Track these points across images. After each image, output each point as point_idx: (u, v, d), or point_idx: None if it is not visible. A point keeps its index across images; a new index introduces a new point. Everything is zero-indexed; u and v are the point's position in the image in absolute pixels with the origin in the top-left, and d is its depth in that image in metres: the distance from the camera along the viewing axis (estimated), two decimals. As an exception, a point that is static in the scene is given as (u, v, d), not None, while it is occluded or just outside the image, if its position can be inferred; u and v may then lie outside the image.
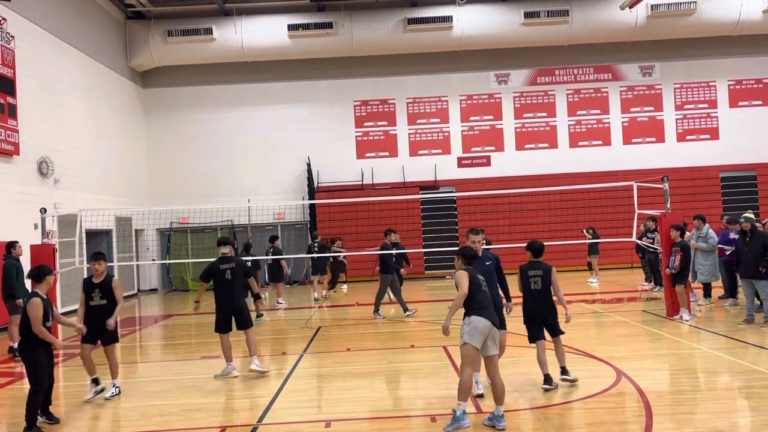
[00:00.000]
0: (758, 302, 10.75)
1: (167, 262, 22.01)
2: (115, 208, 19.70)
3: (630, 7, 20.43)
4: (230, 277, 8.69)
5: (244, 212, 22.69)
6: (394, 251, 13.28)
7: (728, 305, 12.57)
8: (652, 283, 15.99)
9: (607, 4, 21.82)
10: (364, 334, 11.69)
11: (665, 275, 11.61)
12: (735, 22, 22.03)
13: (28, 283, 9.55)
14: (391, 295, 13.73)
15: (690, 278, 11.90)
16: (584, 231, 18.24)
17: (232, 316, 8.74)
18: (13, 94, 15.09)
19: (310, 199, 22.24)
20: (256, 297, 10.16)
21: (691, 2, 21.49)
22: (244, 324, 8.76)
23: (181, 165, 23.60)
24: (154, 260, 22.51)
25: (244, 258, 11.97)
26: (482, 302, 6.03)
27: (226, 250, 8.96)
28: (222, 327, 8.74)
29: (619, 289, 16.62)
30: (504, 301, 7.31)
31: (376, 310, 13.08)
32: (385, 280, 13.02)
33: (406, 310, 13.05)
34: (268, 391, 7.72)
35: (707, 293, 13.14)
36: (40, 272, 6.92)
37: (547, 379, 7.02)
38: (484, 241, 7.76)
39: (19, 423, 6.76)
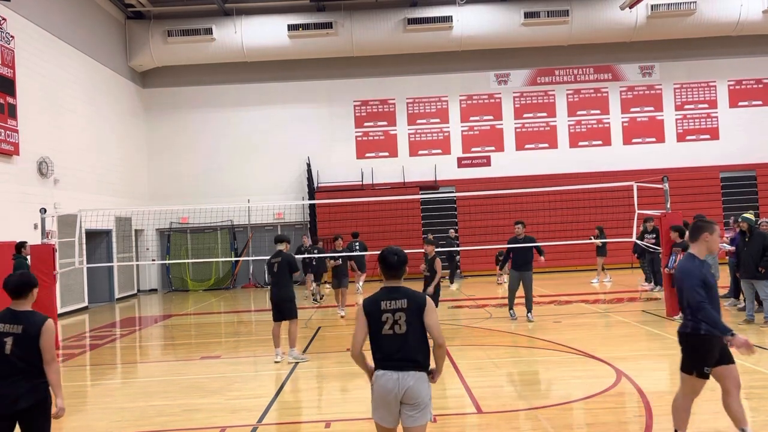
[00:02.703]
0: (758, 305, 10.75)
1: (167, 262, 22.01)
2: (115, 208, 19.70)
3: (630, 7, 20.42)
4: (276, 270, 9.30)
5: (244, 212, 22.71)
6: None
7: (728, 305, 12.57)
8: (652, 283, 16.01)
9: (607, 4, 21.82)
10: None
11: (665, 275, 11.63)
12: (735, 22, 22.03)
13: None
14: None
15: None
16: (593, 237, 18.01)
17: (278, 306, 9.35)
18: (13, 94, 15.09)
19: (310, 199, 22.24)
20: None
21: (691, 2, 21.49)
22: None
23: (181, 165, 23.60)
24: (153, 260, 22.51)
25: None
26: (381, 353, 4.06)
27: (281, 246, 9.56)
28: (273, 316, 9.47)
29: (619, 289, 16.62)
30: None
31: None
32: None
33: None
34: (268, 391, 7.72)
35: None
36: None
37: None
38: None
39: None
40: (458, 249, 19.49)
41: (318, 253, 16.42)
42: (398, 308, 3.89)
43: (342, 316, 13.68)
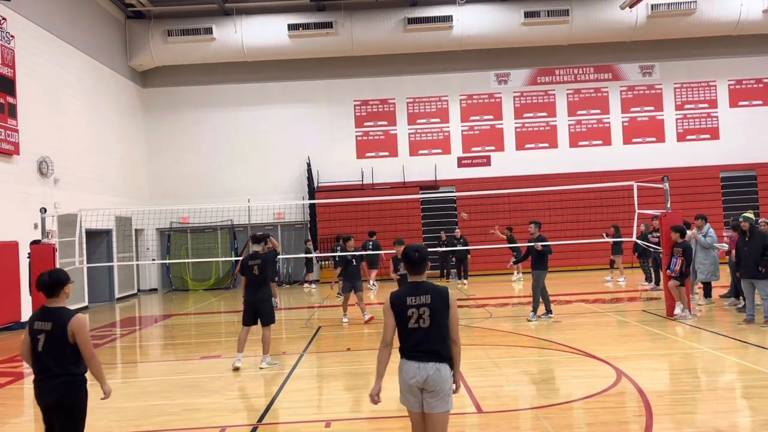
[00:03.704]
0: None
1: (167, 262, 22.01)
2: (115, 207, 19.71)
3: (630, 7, 20.42)
4: (257, 272, 9.00)
5: (244, 212, 22.71)
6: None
7: (727, 305, 12.57)
8: (653, 283, 16.01)
9: (607, 4, 21.82)
10: (364, 334, 11.68)
11: (665, 276, 11.63)
12: (735, 22, 22.02)
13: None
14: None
15: (690, 278, 11.93)
16: (605, 234, 18.05)
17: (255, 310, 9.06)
18: (13, 94, 15.09)
19: (310, 199, 22.24)
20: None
21: (691, 2, 21.49)
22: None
23: (180, 165, 23.61)
24: (154, 260, 22.51)
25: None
26: (408, 344, 4.25)
27: (258, 247, 9.27)
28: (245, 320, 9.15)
29: (619, 289, 16.63)
30: None
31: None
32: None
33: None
34: (268, 391, 7.72)
35: (707, 293, 13.14)
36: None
37: None
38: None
39: (19, 422, 6.76)
40: (458, 249, 19.49)
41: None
42: (422, 303, 4.09)
43: (350, 322, 12.72)
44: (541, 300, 11.98)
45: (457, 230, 20.44)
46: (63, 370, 4.35)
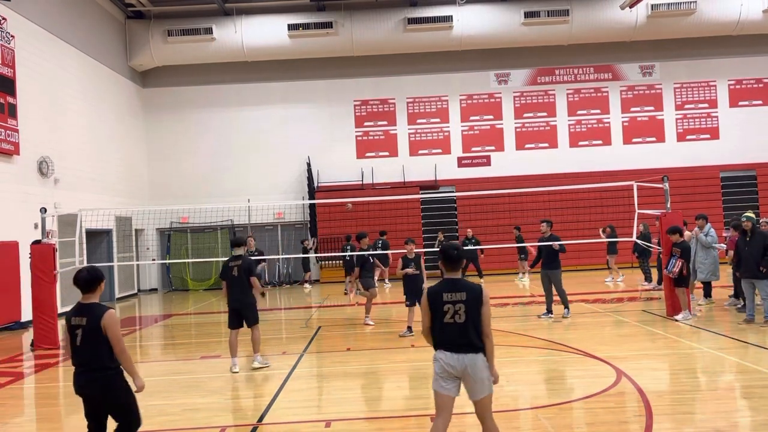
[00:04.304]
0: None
1: (167, 261, 22.02)
2: (115, 207, 19.71)
3: (630, 7, 20.42)
4: (236, 274, 8.91)
5: (244, 212, 22.70)
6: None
7: (727, 305, 12.57)
8: (654, 283, 16.00)
9: (607, 4, 21.82)
10: (364, 334, 11.68)
11: (664, 276, 11.63)
12: (735, 22, 22.03)
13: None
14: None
15: (690, 278, 11.92)
16: (601, 231, 18.13)
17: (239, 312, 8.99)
18: (13, 94, 15.10)
19: (310, 199, 22.25)
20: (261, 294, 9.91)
21: (691, 2, 21.49)
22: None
23: (181, 165, 23.61)
24: (154, 260, 22.52)
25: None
26: (444, 338, 4.56)
27: (240, 251, 9.21)
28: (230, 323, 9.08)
29: (619, 289, 16.63)
30: None
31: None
32: None
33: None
34: (268, 391, 7.72)
35: (707, 293, 13.14)
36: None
37: None
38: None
39: (19, 422, 6.76)
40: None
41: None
42: (458, 300, 4.39)
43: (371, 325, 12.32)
44: (547, 297, 12.14)
45: (469, 230, 20.39)
46: (100, 363, 4.55)
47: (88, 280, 4.66)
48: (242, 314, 8.91)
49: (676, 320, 11.14)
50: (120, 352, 4.59)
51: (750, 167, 23.34)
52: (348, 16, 22.06)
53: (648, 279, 16.75)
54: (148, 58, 22.54)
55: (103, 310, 4.60)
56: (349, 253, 17.01)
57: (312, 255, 21.19)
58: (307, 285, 21.31)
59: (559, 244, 11.84)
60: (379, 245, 17.64)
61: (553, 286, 12.08)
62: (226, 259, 9.47)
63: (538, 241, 12.47)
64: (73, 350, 4.64)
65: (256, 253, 13.41)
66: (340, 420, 6.37)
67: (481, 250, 19.41)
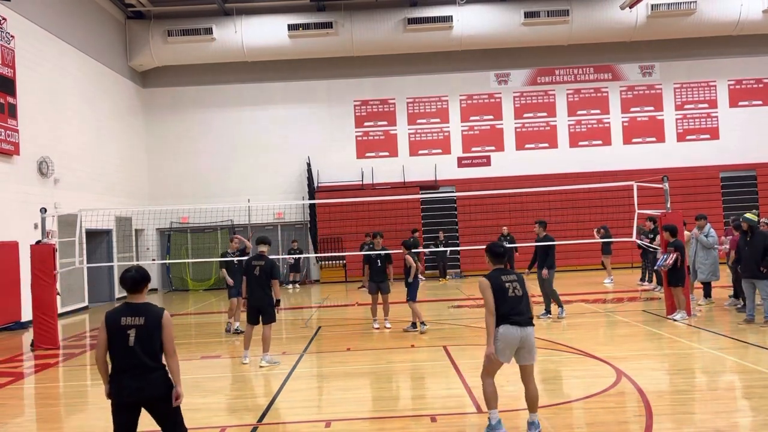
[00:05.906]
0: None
1: (167, 262, 22.02)
2: (115, 208, 19.71)
3: (630, 7, 20.42)
4: (258, 274, 9.14)
5: (244, 212, 22.70)
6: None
7: (727, 305, 12.57)
8: (654, 283, 16.00)
9: (607, 4, 21.82)
10: (364, 334, 11.68)
11: (663, 273, 11.64)
12: (735, 22, 22.03)
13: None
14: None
15: (689, 278, 11.93)
16: (595, 231, 18.15)
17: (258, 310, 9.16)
18: (13, 94, 15.09)
19: (310, 199, 22.25)
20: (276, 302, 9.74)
21: (691, 2, 21.49)
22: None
23: (181, 165, 23.61)
24: (154, 260, 22.51)
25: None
26: (510, 309, 5.49)
27: (264, 248, 9.37)
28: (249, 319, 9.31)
29: (619, 289, 16.62)
30: None
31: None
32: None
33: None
34: (268, 391, 7.72)
35: (707, 293, 13.14)
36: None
37: None
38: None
39: (19, 422, 6.75)
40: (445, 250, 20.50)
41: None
42: (513, 279, 5.63)
43: (386, 328, 11.81)
44: (544, 297, 12.17)
45: (504, 227, 20.29)
46: (158, 363, 4.43)
47: (136, 279, 4.54)
48: (263, 312, 9.15)
49: (675, 320, 11.15)
50: (172, 353, 4.47)
51: (750, 167, 23.33)
52: (348, 16, 22.06)
53: (646, 279, 16.77)
54: (148, 58, 22.54)
55: (162, 309, 4.53)
56: (348, 253, 17.04)
57: (302, 256, 21.36)
58: (290, 286, 21.35)
59: (548, 245, 11.94)
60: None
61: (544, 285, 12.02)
62: (225, 259, 9.49)
63: (536, 242, 12.47)
64: (121, 352, 4.42)
65: (237, 254, 12.91)
66: (340, 420, 6.36)
67: (516, 248, 19.13)
